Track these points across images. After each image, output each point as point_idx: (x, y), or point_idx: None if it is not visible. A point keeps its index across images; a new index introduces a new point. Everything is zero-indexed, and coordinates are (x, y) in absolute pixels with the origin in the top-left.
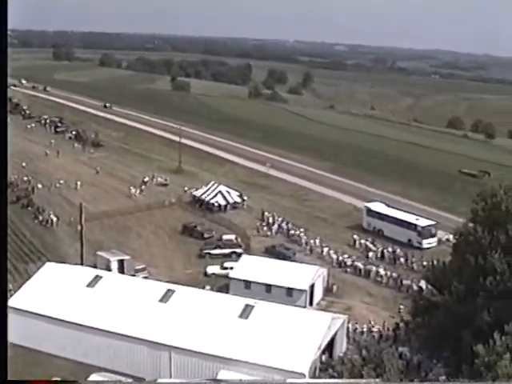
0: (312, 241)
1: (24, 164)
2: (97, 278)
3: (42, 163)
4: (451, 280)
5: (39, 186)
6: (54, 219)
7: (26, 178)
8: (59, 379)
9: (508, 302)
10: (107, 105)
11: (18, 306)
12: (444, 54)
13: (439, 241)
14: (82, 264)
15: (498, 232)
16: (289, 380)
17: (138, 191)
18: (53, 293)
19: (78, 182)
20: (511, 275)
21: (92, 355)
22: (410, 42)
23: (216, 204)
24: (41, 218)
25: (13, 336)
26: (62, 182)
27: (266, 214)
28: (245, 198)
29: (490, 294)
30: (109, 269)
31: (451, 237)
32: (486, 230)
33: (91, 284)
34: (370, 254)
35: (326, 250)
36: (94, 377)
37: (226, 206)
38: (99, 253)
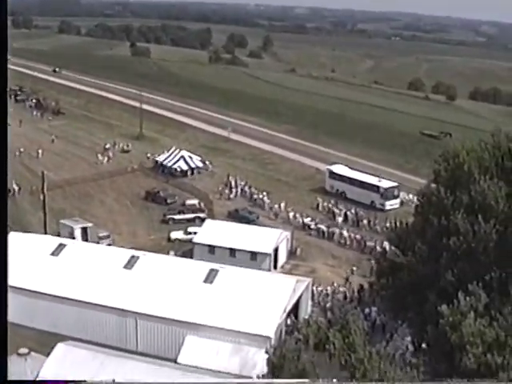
0: (275, 204)
1: None
2: (61, 246)
3: None
4: (414, 241)
5: None
6: (16, 188)
7: None
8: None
9: (472, 262)
10: (57, 69)
11: None
12: (405, 15)
13: (402, 202)
14: (45, 233)
15: (460, 193)
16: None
17: (105, 159)
18: (17, 262)
19: (40, 151)
20: (474, 235)
21: (58, 324)
22: (370, 3)
23: (178, 169)
24: None
25: None
26: (22, 150)
27: (229, 178)
28: (207, 162)
29: (454, 255)
30: (72, 237)
31: (414, 198)
32: (448, 190)
33: (55, 252)
34: (334, 216)
35: (289, 213)
36: (60, 346)
37: (188, 171)
38: (62, 221)
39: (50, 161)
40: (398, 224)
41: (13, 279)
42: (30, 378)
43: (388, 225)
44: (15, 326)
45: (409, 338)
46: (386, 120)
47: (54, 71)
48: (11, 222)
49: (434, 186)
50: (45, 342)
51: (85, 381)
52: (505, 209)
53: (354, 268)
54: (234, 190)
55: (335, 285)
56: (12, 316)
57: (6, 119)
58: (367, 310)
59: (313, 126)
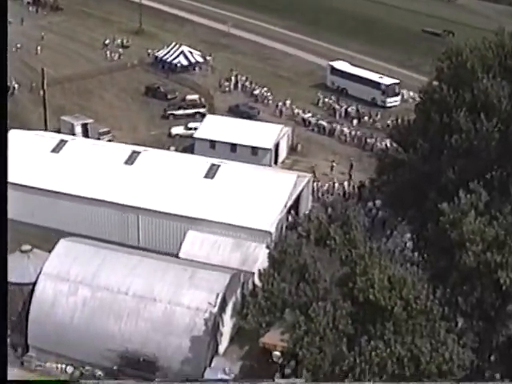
0: (276, 100)
1: None
2: (61, 142)
3: None
4: (416, 138)
5: None
6: (16, 86)
7: None
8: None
9: (473, 161)
10: None
11: None
12: None
13: (403, 99)
14: (45, 129)
15: (463, 91)
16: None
17: (115, 55)
18: (18, 160)
19: (39, 48)
20: (476, 134)
21: (60, 220)
22: None
23: (179, 64)
24: None
25: None
26: (19, 45)
27: (230, 73)
28: (207, 57)
29: (455, 152)
30: (73, 133)
31: (415, 95)
32: (451, 88)
33: (56, 149)
34: (335, 112)
35: (290, 108)
36: (62, 242)
37: (188, 66)
38: (63, 117)
39: (50, 57)
40: (399, 121)
41: (14, 176)
42: (34, 274)
43: (389, 122)
44: (17, 223)
45: (408, 235)
46: (389, 16)
47: None
48: (11, 120)
49: (436, 83)
50: (47, 239)
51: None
52: (507, 108)
53: (354, 164)
54: (234, 86)
55: (336, 181)
56: (13, 213)
57: (6, 119)
58: (367, 207)
59: (314, 22)
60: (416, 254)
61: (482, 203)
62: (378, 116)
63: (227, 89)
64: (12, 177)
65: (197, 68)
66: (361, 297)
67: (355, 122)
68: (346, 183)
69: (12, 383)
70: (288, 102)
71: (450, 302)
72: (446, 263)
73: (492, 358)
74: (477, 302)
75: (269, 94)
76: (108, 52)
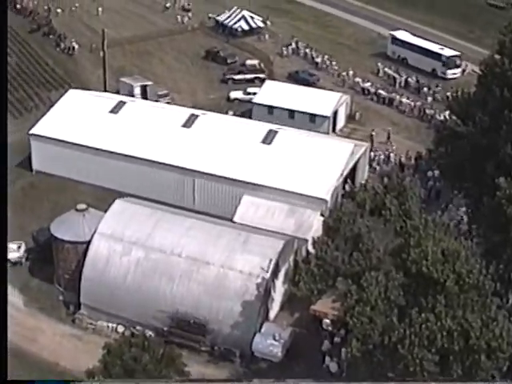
0: (336, 67)
1: None
2: (120, 103)
3: None
4: (475, 111)
5: (58, 10)
6: (76, 46)
7: (46, 7)
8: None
9: None
10: None
11: (41, 133)
12: None
13: (464, 72)
14: (104, 90)
15: None
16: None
17: (185, 18)
18: (76, 119)
19: (99, 9)
20: None
21: (116, 181)
22: None
23: (239, 29)
24: (62, 45)
25: (36, 163)
26: (77, 5)
27: (290, 39)
28: (268, 23)
29: None
30: (132, 94)
31: (476, 68)
32: None
33: (114, 110)
34: (394, 82)
35: (349, 76)
36: (118, 202)
37: (248, 31)
38: (122, 79)
39: (110, 19)
40: (459, 93)
41: (73, 136)
42: (88, 233)
43: (449, 94)
44: (73, 182)
45: (464, 209)
46: None
47: None
48: (70, 80)
49: (497, 57)
50: (103, 198)
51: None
52: None
53: (412, 135)
54: (294, 52)
55: (393, 150)
56: (70, 172)
57: (6, 114)
58: (424, 178)
59: None
60: (471, 227)
61: None
62: (438, 87)
63: (287, 54)
64: (70, 136)
65: (257, 33)
66: (413, 268)
67: (414, 92)
68: (403, 153)
69: (12, 383)
70: (351, 73)
71: (502, 278)
72: (501, 238)
73: None
74: None
75: (328, 61)
76: (188, 16)
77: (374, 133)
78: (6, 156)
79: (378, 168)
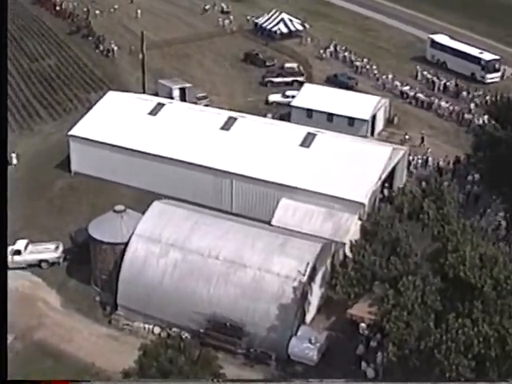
0: (375, 71)
1: None
2: (159, 105)
3: None
4: None
5: (97, 12)
6: (115, 48)
7: (85, 9)
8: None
9: None
10: None
11: (80, 135)
12: None
13: (503, 76)
14: (143, 92)
15: None
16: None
17: (226, 21)
18: (115, 121)
19: (139, 11)
20: None
21: (154, 183)
22: None
23: (278, 32)
24: (101, 47)
25: (75, 165)
26: (116, 7)
27: (329, 42)
28: (307, 26)
29: None
30: (171, 97)
31: None
32: None
33: (153, 112)
34: (433, 86)
35: (388, 80)
36: (156, 204)
37: (288, 34)
38: (161, 81)
39: (149, 21)
40: (498, 97)
41: (111, 137)
42: (126, 235)
43: (488, 98)
44: (111, 184)
45: (502, 214)
46: None
47: None
48: (110, 82)
49: None
50: (141, 200)
51: (89, 381)
52: None
53: (451, 139)
54: (333, 55)
55: (431, 155)
56: (108, 173)
57: (7, 118)
58: (462, 183)
59: None
60: (509, 232)
61: None
62: (477, 92)
63: (325, 57)
64: (109, 138)
65: (296, 36)
66: (451, 273)
67: (453, 96)
68: (441, 158)
69: (12, 383)
70: (390, 76)
71: None
72: None
73: None
74: None
75: (367, 64)
76: (230, 19)
77: (407, 136)
78: (6, 156)
79: (414, 171)
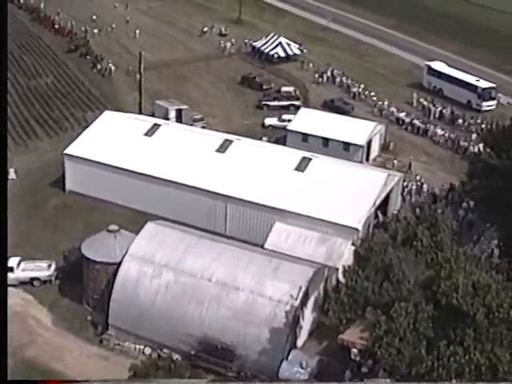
0: (372, 97)
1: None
2: (155, 126)
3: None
4: (510, 144)
5: (95, 31)
6: (113, 68)
7: (83, 28)
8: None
9: None
10: None
11: (75, 154)
12: None
13: (499, 104)
14: (140, 113)
15: None
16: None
17: (227, 44)
18: (111, 141)
19: (137, 31)
20: None
21: (148, 203)
22: None
23: (276, 56)
24: (99, 66)
25: (70, 183)
26: (114, 26)
27: (326, 67)
28: (304, 50)
29: None
30: (167, 118)
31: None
32: None
33: (149, 133)
34: (429, 113)
35: (384, 106)
36: (150, 225)
37: (285, 57)
38: (157, 102)
39: (147, 41)
40: (494, 126)
41: (106, 157)
42: (119, 255)
43: (483, 126)
44: (106, 203)
45: (496, 242)
46: (490, 20)
47: None
48: (106, 101)
49: None
50: (135, 220)
51: (88, 381)
52: None
53: (446, 166)
54: (329, 80)
55: (425, 182)
56: (103, 193)
57: (6, 122)
58: (456, 210)
59: (414, 21)
60: (502, 261)
61: None
62: (473, 119)
63: (322, 82)
64: (104, 157)
65: (293, 60)
66: (443, 301)
67: (449, 123)
68: (436, 185)
69: (12, 383)
70: (386, 102)
71: None
72: None
73: None
74: None
75: (364, 90)
76: (231, 42)
77: (395, 161)
78: (6, 156)
79: (408, 198)
